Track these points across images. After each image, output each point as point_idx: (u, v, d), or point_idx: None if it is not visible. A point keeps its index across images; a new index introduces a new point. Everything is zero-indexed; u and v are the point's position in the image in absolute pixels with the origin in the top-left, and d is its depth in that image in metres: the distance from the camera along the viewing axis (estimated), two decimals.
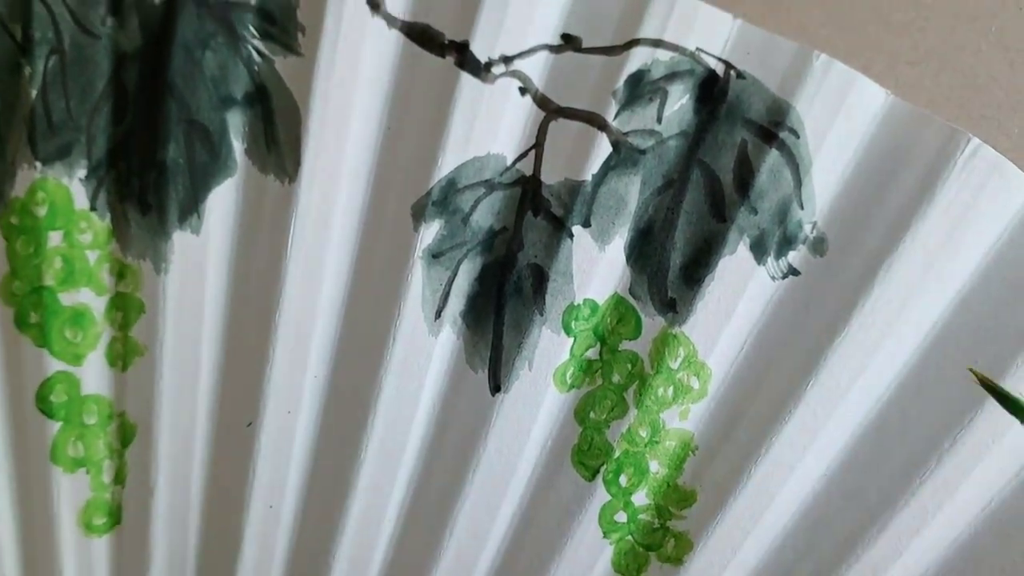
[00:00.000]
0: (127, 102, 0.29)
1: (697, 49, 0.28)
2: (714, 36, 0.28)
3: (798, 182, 0.28)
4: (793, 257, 0.28)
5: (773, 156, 0.28)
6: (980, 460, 0.27)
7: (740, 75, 0.28)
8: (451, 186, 0.29)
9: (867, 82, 0.28)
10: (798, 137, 0.28)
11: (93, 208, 0.30)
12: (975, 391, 0.27)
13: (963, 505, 0.28)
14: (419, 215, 0.29)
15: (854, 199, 0.28)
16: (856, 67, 0.28)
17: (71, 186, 0.29)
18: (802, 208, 0.28)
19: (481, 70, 0.28)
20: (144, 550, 0.33)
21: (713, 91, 0.28)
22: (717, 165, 0.28)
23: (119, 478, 0.32)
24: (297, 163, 0.29)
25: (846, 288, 0.28)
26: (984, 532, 0.28)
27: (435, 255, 0.29)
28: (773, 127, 0.28)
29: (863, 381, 0.28)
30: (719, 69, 0.28)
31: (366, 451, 0.31)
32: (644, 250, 0.29)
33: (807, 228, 0.28)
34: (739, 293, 0.28)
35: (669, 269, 0.29)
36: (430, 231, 0.29)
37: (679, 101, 0.28)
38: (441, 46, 0.29)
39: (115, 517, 0.33)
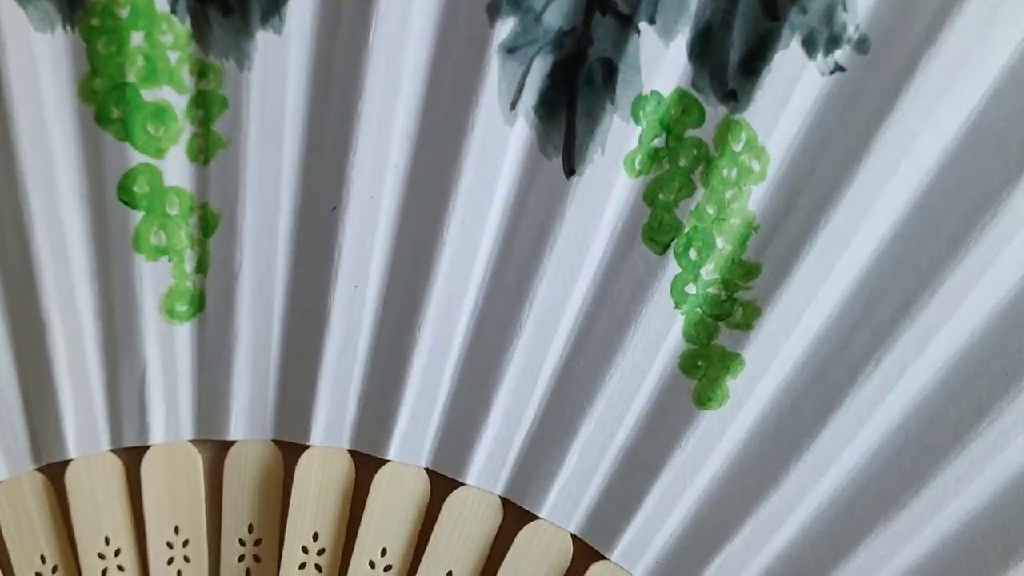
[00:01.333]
0: None
1: None
2: None
3: None
4: (840, 55, 0.30)
5: None
6: (1019, 230, 0.30)
7: None
8: None
9: None
10: None
11: (173, 11, 0.30)
12: (1012, 170, 0.30)
13: (1004, 270, 0.30)
14: (494, 12, 0.30)
15: (893, 2, 0.30)
16: None
17: None
18: (846, 10, 0.30)
19: None
20: (228, 335, 0.33)
21: None
22: None
23: (201, 267, 0.32)
24: None
25: (889, 80, 0.30)
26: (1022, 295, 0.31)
27: (510, 50, 0.30)
28: None
29: (909, 161, 0.30)
30: None
31: (447, 233, 0.32)
32: (704, 47, 0.31)
33: (851, 29, 0.30)
34: (793, 84, 0.30)
35: (729, 63, 0.31)
36: (505, 27, 0.30)
37: None
38: None
39: (197, 304, 0.33)
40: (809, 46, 0.30)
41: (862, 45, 0.30)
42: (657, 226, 0.32)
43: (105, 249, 0.32)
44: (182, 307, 0.33)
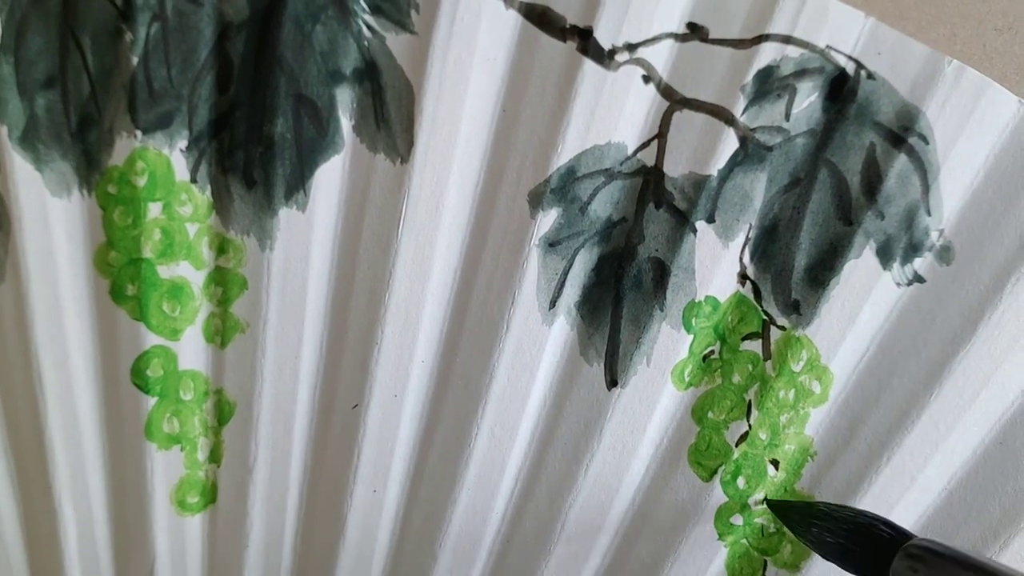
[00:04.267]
0: (231, 73, 0.28)
1: (827, 47, 0.27)
2: (845, 34, 0.27)
3: (926, 188, 0.27)
4: (919, 264, 0.28)
5: (902, 161, 0.27)
6: None
7: (870, 76, 0.27)
8: (570, 174, 0.28)
9: (999, 90, 0.27)
10: (927, 143, 0.27)
11: (193, 180, 0.28)
12: None
13: None
14: (536, 202, 0.28)
15: (983, 209, 0.27)
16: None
17: (171, 157, 0.28)
18: (929, 215, 0.27)
19: (604, 57, 0.27)
20: (239, 530, 0.32)
21: (842, 90, 0.28)
22: (844, 166, 0.28)
23: (214, 456, 0.31)
24: (410, 143, 0.28)
25: (972, 298, 0.27)
26: None
27: (551, 244, 0.28)
28: (902, 132, 0.27)
29: (987, 394, 0.27)
30: (849, 68, 0.28)
31: (475, 440, 0.30)
32: (768, 249, 0.28)
33: (934, 235, 0.27)
34: (864, 298, 0.27)
35: (794, 270, 0.28)
36: (547, 219, 0.28)
37: (807, 99, 0.28)
38: (562, 30, 0.28)
39: (209, 496, 0.31)
40: (884, 255, 0.27)
41: (945, 254, 0.27)
42: (705, 448, 0.29)
43: (118, 435, 0.30)
44: (193, 498, 0.31)
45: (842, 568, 0.25)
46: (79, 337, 0.29)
